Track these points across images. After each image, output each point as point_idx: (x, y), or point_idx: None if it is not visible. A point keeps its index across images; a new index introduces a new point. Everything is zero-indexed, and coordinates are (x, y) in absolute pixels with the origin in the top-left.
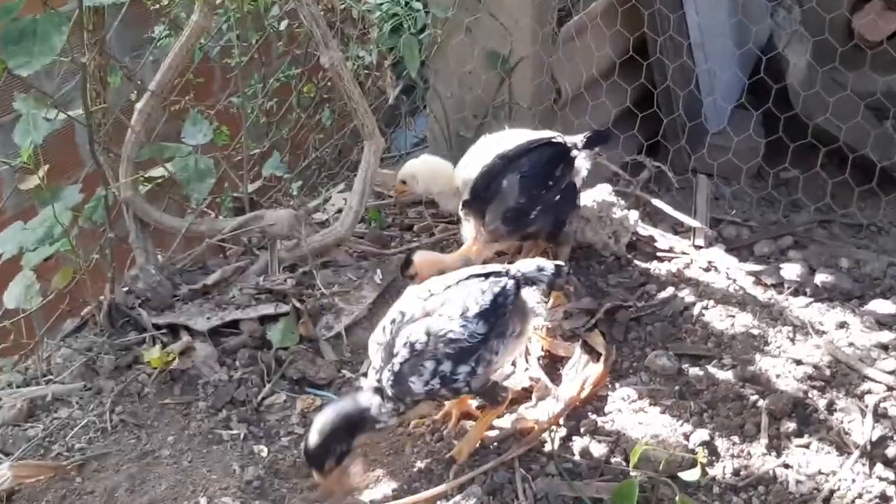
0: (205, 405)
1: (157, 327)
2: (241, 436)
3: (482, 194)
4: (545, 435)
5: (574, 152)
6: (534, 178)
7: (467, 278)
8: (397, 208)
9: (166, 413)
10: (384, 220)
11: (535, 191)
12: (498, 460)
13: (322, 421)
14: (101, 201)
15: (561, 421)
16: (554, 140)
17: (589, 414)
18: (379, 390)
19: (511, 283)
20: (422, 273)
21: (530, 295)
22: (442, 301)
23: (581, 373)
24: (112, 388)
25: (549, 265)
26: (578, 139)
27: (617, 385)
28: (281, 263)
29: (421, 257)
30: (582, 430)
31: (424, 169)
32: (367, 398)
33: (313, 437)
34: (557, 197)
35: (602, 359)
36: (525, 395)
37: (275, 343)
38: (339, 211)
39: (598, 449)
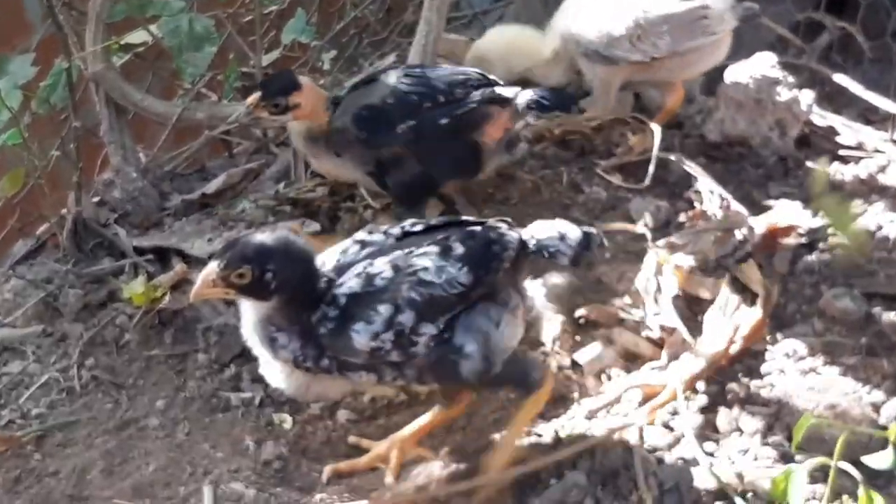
0: (206, 358)
1: (139, 251)
2: (256, 400)
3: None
4: (677, 403)
5: (500, 91)
6: (425, 82)
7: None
8: None
9: (154, 369)
10: None
11: (416, 97)
12: (611, 437)
13: None
14: (61, 77)
15: (700, 385)
16: (504, 86)
17: (739, 376)
18: None
19: (515, 237)
20: (307, 105)
21: (536, 288)
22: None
23: (730, 320)
24: (80, 333)
25: (574, 232)
26: (525, 96)
27: (779, 336)
28: (308, 165)
29: (309, 83)
30: (729, 396)
31: (495, 47)
32: None
33: None
34: (444, 120)
35: (759, 300)
36: (653, 349)
37: None
38: None
39: (751, 423)
